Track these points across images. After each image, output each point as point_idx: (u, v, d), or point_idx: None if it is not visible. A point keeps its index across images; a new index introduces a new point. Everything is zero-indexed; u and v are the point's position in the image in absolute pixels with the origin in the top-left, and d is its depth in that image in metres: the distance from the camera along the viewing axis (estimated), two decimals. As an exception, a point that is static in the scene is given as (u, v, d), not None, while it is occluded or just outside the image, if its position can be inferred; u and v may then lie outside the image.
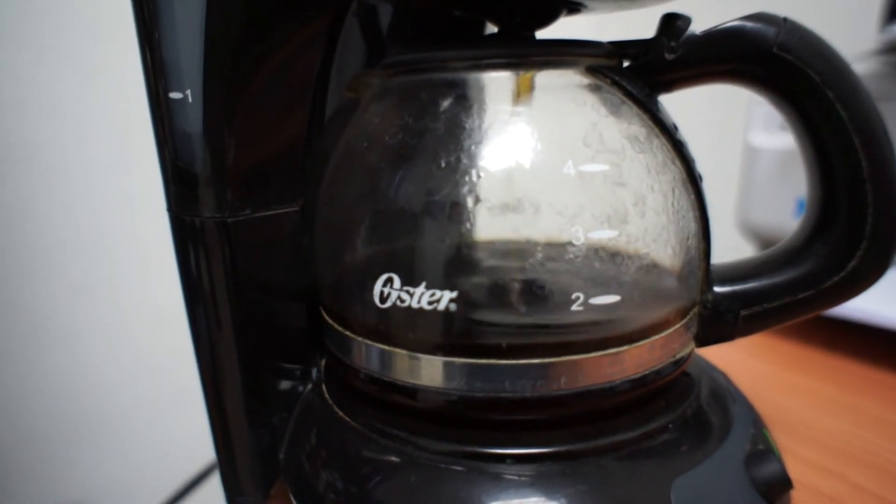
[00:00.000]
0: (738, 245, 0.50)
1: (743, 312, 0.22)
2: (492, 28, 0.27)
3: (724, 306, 0.22)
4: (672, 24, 0.20)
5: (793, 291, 0.22)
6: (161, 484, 0.61)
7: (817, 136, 0.20)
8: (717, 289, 0.22)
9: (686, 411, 0.21)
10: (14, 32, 0.52)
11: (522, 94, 0.20)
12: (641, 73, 0.21)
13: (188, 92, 0.19)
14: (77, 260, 0.59)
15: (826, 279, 0.22)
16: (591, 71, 0.21)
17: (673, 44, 0.20)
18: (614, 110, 0.20)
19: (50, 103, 0.54)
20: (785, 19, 0.19)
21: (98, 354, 0.61)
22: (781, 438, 0.26)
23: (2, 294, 0.57)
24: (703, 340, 0.23)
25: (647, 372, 0.20)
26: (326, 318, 0.23)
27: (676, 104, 0.23)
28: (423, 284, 0.19)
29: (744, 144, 0.47)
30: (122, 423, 0.64)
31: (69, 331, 0.60)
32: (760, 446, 0.21)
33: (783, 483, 0.19)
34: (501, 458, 0.19)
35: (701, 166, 0.22)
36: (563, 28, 0.23)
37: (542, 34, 0.23)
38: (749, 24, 0.19)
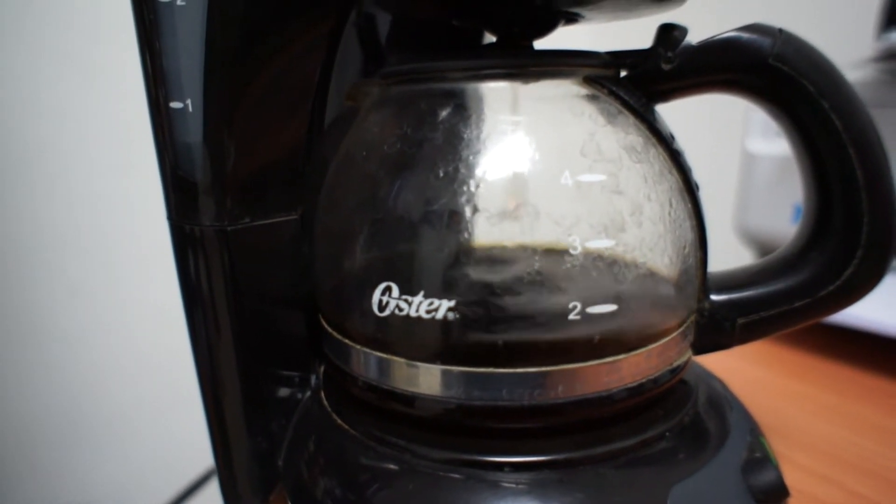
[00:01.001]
0: (737, 251, 0.50)
1: (740, 320, 0.22)
2: (490, 38, 0.27)
3: (721, 314, 0.22)
4: (669, 34, 0.20)
5: (789, 300, 0.22)
6: (161, 486, 0.61)
7: (813, 145, 0.20)
8: (714, 297, 0.23)
9: (683, 419, 0.21)
10: (14, 33, 0.52)
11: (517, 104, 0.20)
12: (638, 83, 0.21)
13: (188, 101, 0.19)
14: (77, 261, 0.59)
15: (823, 287, 0.22)
16: (589, 81, 0.21)
17: (669, 54, 0.20)
18: (611, 120, 0.21)
19: (50, 104, 0.54)
20: (780, 30, 0.19)
21: (98, 356, 0.62)
22: (779, 446, 0.26)
23: (2, 295, 0.57)
24: (700, 348, 0.23)
25: (644, 380, 0.20)
26: (325, 325, 0.23)
27: (675, 112, 0.23)
28: (422, 293, 0.19)
29: (742, 151, 0.47)
30: (122, 425, 0.64)
31: (69, 332, 0.60)
32: (757, 454, 0.21)
33: (780, 491, 0.19)
34: (499, 466, 0.19)
35: (699, 173, 0.22)
36: (562, 38, 0.23)
37: (540, 44, 0.23)
38: (745, 35, 0.19)
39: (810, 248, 0.22)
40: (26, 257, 0.57)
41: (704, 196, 0.22)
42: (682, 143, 0.22)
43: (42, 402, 0.60)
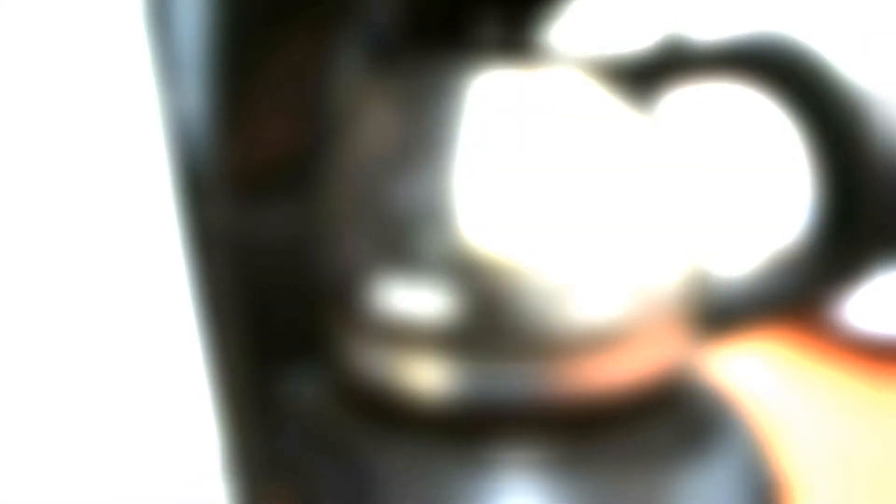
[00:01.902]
0: (739, 249, 0.50)
1: (743, 315, 0.22)
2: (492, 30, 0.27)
3: (724, 310, 0.22)
4: (671, 30, 0.20)
5: (792, 293, 0.22)
6: (162, 485, 0.61)
7: (817, 142, 0.20)
8: (717, 292, 0.22)
9: (685, 415, 0.21)
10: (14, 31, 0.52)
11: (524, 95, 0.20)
12: (642, 76, 0.21)
13: (192, 97, 0.19)
14: (77, 258, 0.59)
15: (826, 280, 0.22)
16: (590, 74, 0.21)
17: (672, 50, 0.20)
18: (613, 114, 0.21)
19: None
20: (787, 27, 0.19)
21: (98, 355, 0.62)
22: (779, 443, 0.26)
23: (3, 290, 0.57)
24: (701, 345, 0.23)
25: (644, 377, 0.20)
26: (328, 321, 0.23)
27: (678, 107, 0.23)
28: (424, 288, 0.19)
29: (747, 145, 0.47)
30: (122, 424, 0.64)
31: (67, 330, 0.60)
32: (758, 451, 0.21)
33: (780, 488, 0.19)
34: (500, 463, 0.19)
35: (703, 168, 0.22)
36: (564, 30, 0.23)
37: (543, 40, 0.23)
38: (753, 32, 0.19)
39: (814, 243, 0.22)
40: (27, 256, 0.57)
41: (706, 192, 0.22)
42: (685, 137, 0.22)
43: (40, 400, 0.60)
